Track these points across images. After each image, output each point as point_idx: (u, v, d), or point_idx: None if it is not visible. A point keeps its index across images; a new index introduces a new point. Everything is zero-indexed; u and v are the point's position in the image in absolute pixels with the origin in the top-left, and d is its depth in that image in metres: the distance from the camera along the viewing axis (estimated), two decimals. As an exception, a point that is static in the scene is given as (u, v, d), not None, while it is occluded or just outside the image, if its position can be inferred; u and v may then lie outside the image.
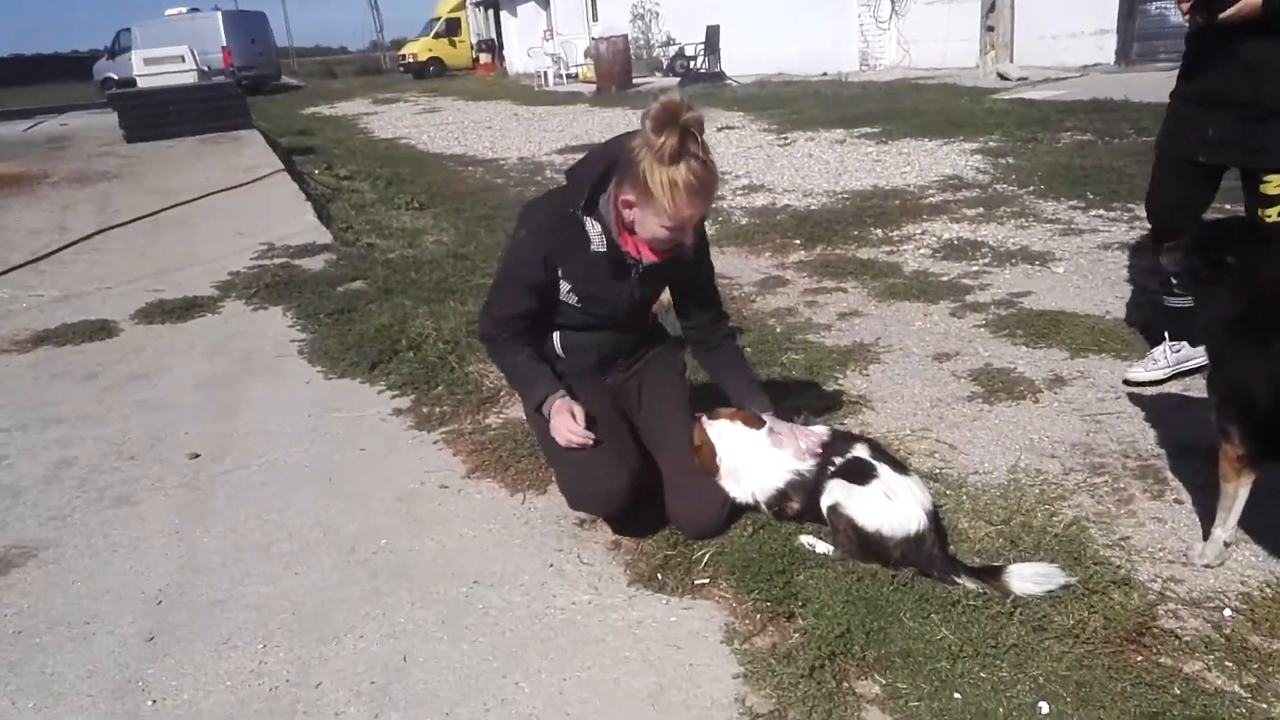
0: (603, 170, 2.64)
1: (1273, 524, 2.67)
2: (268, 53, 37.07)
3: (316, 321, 5.29)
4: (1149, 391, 3.72)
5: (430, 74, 37.67)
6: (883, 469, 2.71)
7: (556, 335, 2.98)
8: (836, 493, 2.73)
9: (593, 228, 2.70)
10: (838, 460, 2.79)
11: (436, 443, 3.77)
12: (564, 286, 2.81)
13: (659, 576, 2.75)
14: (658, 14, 26.32)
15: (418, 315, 5.02)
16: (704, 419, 2.98)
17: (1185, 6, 3.23)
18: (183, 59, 17.00)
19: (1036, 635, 2.33)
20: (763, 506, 2.93)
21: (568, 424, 2.79)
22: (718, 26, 22.21)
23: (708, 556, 2.80)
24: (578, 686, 2.35)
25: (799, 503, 2.86)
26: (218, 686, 2.45)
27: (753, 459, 2.88)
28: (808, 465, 2.82)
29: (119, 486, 3.58)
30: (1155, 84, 12.06)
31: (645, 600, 2.67)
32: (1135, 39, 15.17)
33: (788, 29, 20.97)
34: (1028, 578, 2.47)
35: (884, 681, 2.25)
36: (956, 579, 2.55)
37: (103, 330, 5.51)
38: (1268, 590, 2.48)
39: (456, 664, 2.46)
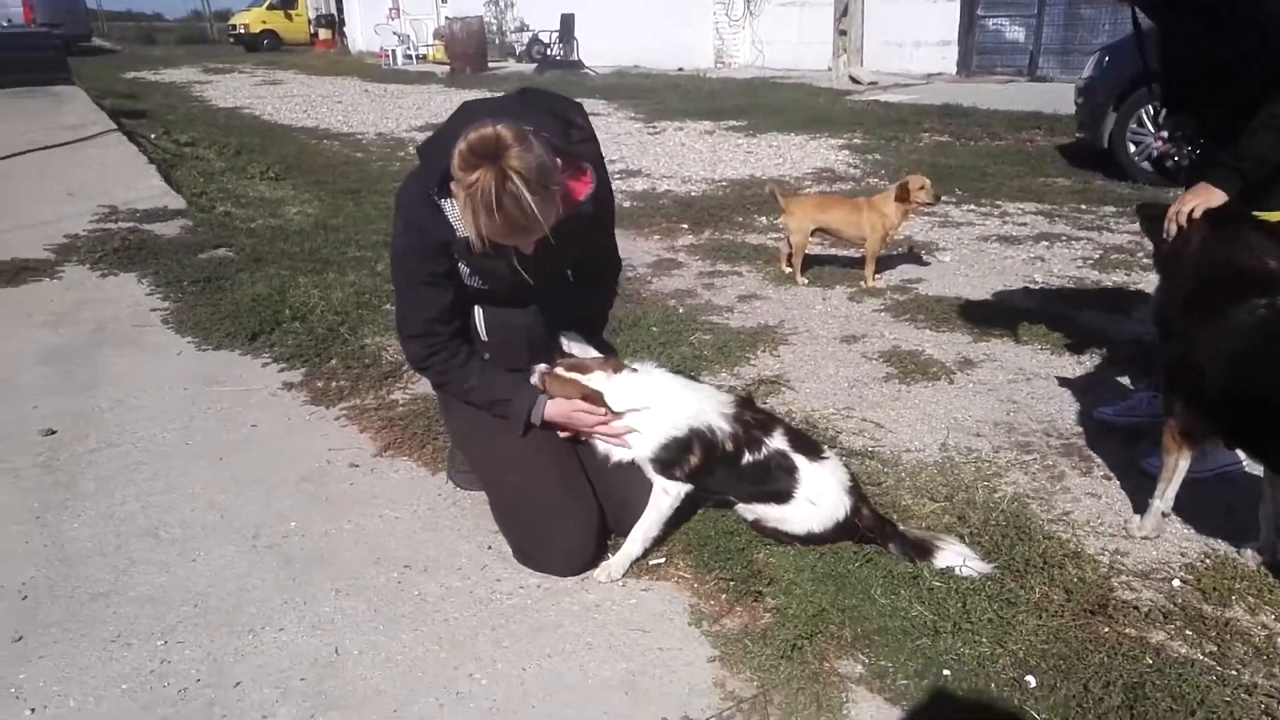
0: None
1: (1196, 500, 2.76)
2: (77, 11, 33.94)
3: (179, 289, 4.76)
4: (1059, 375, 3.83)
5: (264, 47, 35.48)
6: (802, 469, 2.53)
7: (479, 314, 2.59)
8: (758, 510, 2.59)
9: (452, 210, 2.31)
10: (758, 446, 2.53)
11: (339, 419, 3.43)
12: (462, 269, 2.44)
13: (609, 557, 2.56)
14: (513, 2, 25.86)
15: (298, 285, 4.60)
16: (559, 371, 2.54)
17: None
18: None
19: (1009, 610, 2.29)
20: (646, 465, 2.53)
21: (584, 415, 2.48)
22: (572, 15, 22.03)
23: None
24: (540, 676, 2.14)
25: (699, 458, 2.50)
26: (112, 690, 2.10)
27: (652, 404, 2.51)
28: (719, 420, 2.51)
29: (-47, 468, 3.06)
30: (994, 93, 12.82)
31: (600, 583, 2.48)
32: (974, 51, 16.07)
33: (643, 22, 21.00)
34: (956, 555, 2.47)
35: (867, 660, 2.16)
36: (888, 545, 2.52)
37: (-88, 294, 4.79)
38: (1207, 561, 2.55)
39: (397, 656, 2.21)
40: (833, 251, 5.73)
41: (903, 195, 4.98)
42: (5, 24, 18.01)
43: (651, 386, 2.53)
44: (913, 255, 5.73)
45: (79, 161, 8.14)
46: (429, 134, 2.38)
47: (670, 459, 2.47)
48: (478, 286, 2.48)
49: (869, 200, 5.20)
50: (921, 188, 5.00)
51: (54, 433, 3.29)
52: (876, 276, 5.18)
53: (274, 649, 2.23)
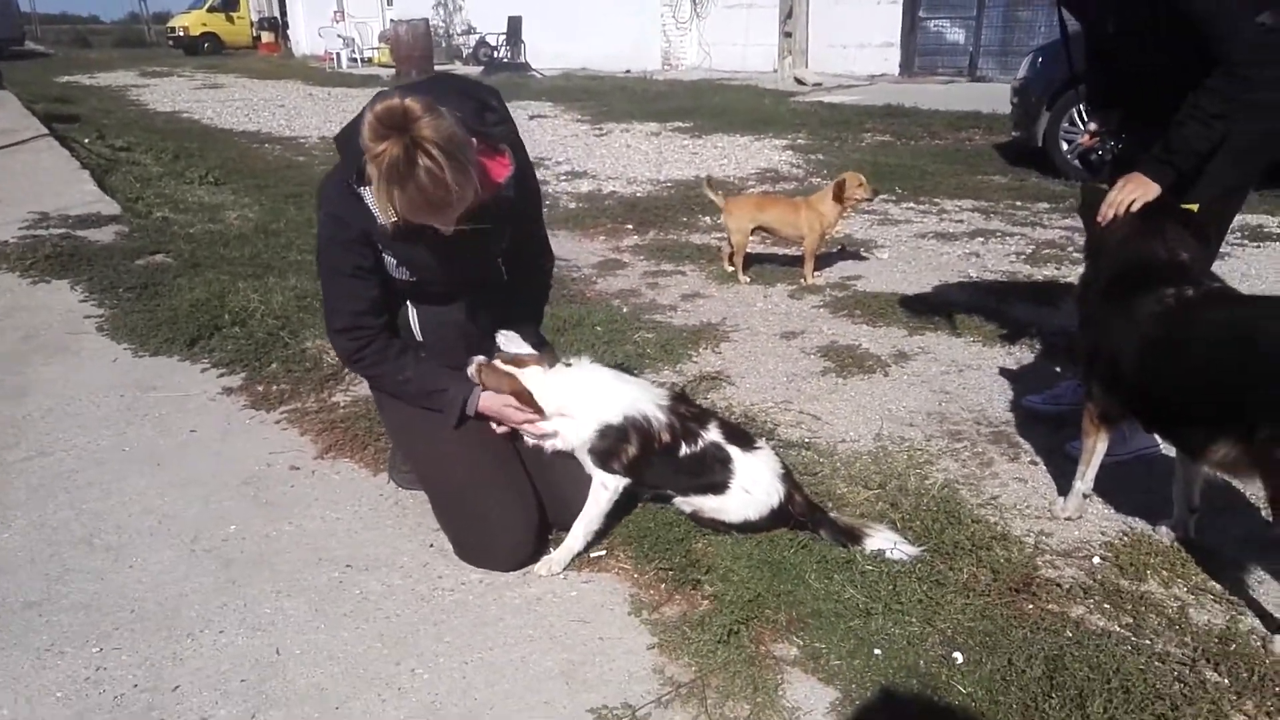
0: None
1: (1116, 482, 2.88)
2: (8, 14, 33.17)
3: (115, 296, 4.69)
4: (988, 365, 3.94)
5: (204, 50, 34.83)
6: (737, 459, 2.60)
7: (412, 313, 2.60)
8: (695, 502, 2.64)
9: (373, 198, 2.28)
10: (694, 438, 2.59)
11: (279, 422, 3.42)
12: (389, 261, 2.43)
13: (551, 551, 2.59)
14: (461, 4, 25.77)
15: (238, 289, 4.56)
16: (496, 363, 2.57)
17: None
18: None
19: (938, 590, 2.37)
20: (585, 455, 2.56)
21: (513, 412, 2.52)
22: (520, 18, 22.04)
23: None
24: (482, 669, 2.17)
25: (636, 448, 2.53)
26: (46, 698, 2.08)
27: (587, 396, 2.56)
28: (656, 411, 2.56)
29: (-119, 480, 3.00)
30: (935, 94, 13.08)
31: (541, 577, 2.51)
32: (916, 53, 16.38)
33: (591, 25, 21.07)
34: (885, 540, 2.54)
35: (801, 643, 2.22)
36: (820, 530, 2.59)
37: None
38: (1125, 539, 2.66)
39: (339, 654, 2.22)
40: (774, 250, 5.81)
41: (839, 194, 5.08)
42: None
43: (586, 380, 2.57)
44: (851, 253, 5.84)
45: (8, 168, 7.95)
46: (344, 126, 2.39)
47: (607, 448, 2.51)
48: (405, 278, 2.48)
49: (806, 200, 5.30)
50: (859, 184, 5.11)
51: (-16, 442, 3.23)
52: (816, 274, 5.27)
53: (213, 651, 2.22)
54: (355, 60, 25.30)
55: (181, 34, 36.18)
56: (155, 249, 5.57)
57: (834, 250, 5.80)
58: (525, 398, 2.50)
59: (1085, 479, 2.72)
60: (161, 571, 2.52)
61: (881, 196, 7.20)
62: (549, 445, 2.58)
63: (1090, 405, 2.65)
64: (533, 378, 2.52)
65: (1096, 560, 2.56)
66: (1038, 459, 3.16)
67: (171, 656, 2.20)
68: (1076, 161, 7.59)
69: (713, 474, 2.59)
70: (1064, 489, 2.88)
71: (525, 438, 2.61)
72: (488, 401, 2.55)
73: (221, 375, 3.83)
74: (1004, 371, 3.86)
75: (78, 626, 2.30)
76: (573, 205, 7.42)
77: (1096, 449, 2.67)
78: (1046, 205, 6.92)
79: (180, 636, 2.27)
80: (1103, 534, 2.71)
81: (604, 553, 2.60)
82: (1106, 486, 2.80)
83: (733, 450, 2.60)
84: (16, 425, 3.38)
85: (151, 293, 4.71)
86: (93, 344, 4.17)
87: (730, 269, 5.39)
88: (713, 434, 2.61)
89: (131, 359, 4.00)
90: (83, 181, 7.40)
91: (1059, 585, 2.44)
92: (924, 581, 2.41)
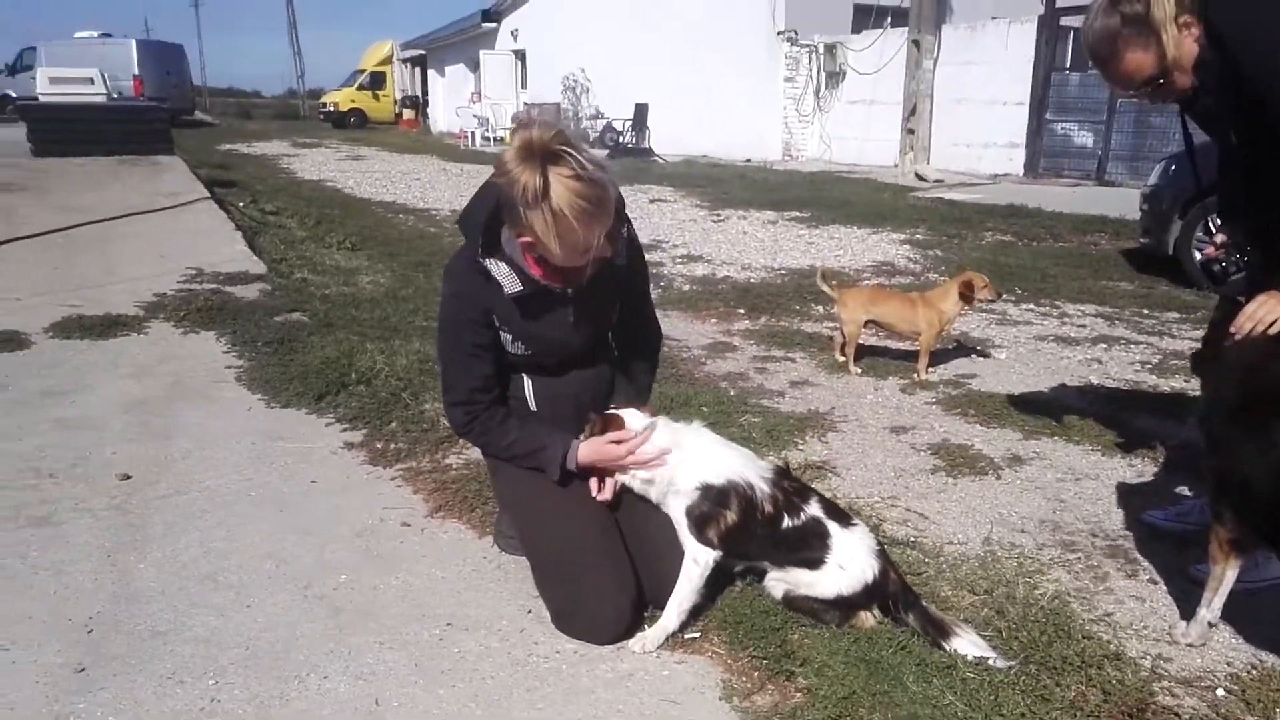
0: (490, 210, 2.41)
1: (1247, 610, 2.72)
2: (183, 86, 36.20)
3: (254, 349, 5.03)
4: (1107, 476, 3.80)
5: (350, 124, 37.37)
6: (834, 535, 2.60)
7: (528, 384, 2.73)
8: (790, 577, 2.63)
9: (499, 270, 2.48)
10: (796, 512, 2.60)
11: (394, 479, 3.57)
12: (505, 336, 2.60)
13: (646, 628, 2.61)
14: (588, 87, 26.87)
15: (365, 350, 4.82)
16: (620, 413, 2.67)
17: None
18: (92, 81, 16.51)
19: (1042, 706, 2.28)
20: (682, 517, 2.58)
21: (613, 447, 2.56)
22: (646, 105, 22.81)
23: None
24: (571, 740, 2.19)
25: (735, 515, 2.54)
26: (164, 726, 2.19)
27: (691, 455, 2.60)
28: (760, 481, 2.59)
29: (36, 506, 3.26)
30: (1060, 196, 12.85)
31: (634, 653, 2.52)
32: (1042, 154, 16.16)
33: (714, 114, 21.65)
34: (971, 644, 2.48)
35: (896, 746, 2.16)
36: (909, 614, 2.55)
37: (11, 341, 5.11)
38: (1254, 671, 2.50)
39: (435, 711, 2.27)
40: (887, 344, 5.78)
41: (967, 293, 5.04)
42: (115, 95, 19.23)
43: (692, 439, 2.63)
44: (967, 350, 5.75)
45: (173, 226, 8.65)
46: (461, 210, 2.56)
47: (706, 513, 2.53)
48: (520, 353, 2.62)
49: (924, 295, 5.27)
50: (985, 286, 5.07)
51: (129, 478, 3.48)
52: (930, 370, 5.21)
53: (317, 696, 2.31)
54: (488, 139, 26.53)
55: (332, 109, 38.97)
56: (293, 308, 5.95)
57: (949, 347, 5.73)
58: (617, 424, 2.57)
59: (1212, 607, 2.58)
60: (276, 613, 2.65)
61: (1004, 297, 7.10)
62: (653, 494, 2.62)
63: (1219, 530, 2.52)
64: (635, 419, 2.60)
65: (1221, 693, 2.42)
66: (1158, 578, 3.01)
67: (279, 696, 2.30)
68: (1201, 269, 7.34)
69: (810, 549, 2.59)
70: (1186, 612, 2.73)
71: (634, 481, 2.64)
72: (589, 448, 2.61)
73: (344, 430, 4.03)
74: (1123, 484, 3.72)
75: (198, 659, 2.43)
76: (686, 287, 7.56)
77: (1225, 577, 2.53)
78: (1176, 315, 6.68)
79: (289, 678, 2.37)
80: (1229, 664, 2.55)
81: (698, 634, 2.60)
82: (1235, 614, 2.65)
83: (831, 526, 2.62)
84: (160, 464, 3.62)
85: (287, 348, 5.02)
86: (231, 393, 4.45)
87: (841, 359, 5.39)
88: (814, 509, 2.63)
89: (264, 409, 4.26)
90: (235, 242, 7.98)
91: (1177, 715, 2.31)
92: (1028, 695, 2.31)
